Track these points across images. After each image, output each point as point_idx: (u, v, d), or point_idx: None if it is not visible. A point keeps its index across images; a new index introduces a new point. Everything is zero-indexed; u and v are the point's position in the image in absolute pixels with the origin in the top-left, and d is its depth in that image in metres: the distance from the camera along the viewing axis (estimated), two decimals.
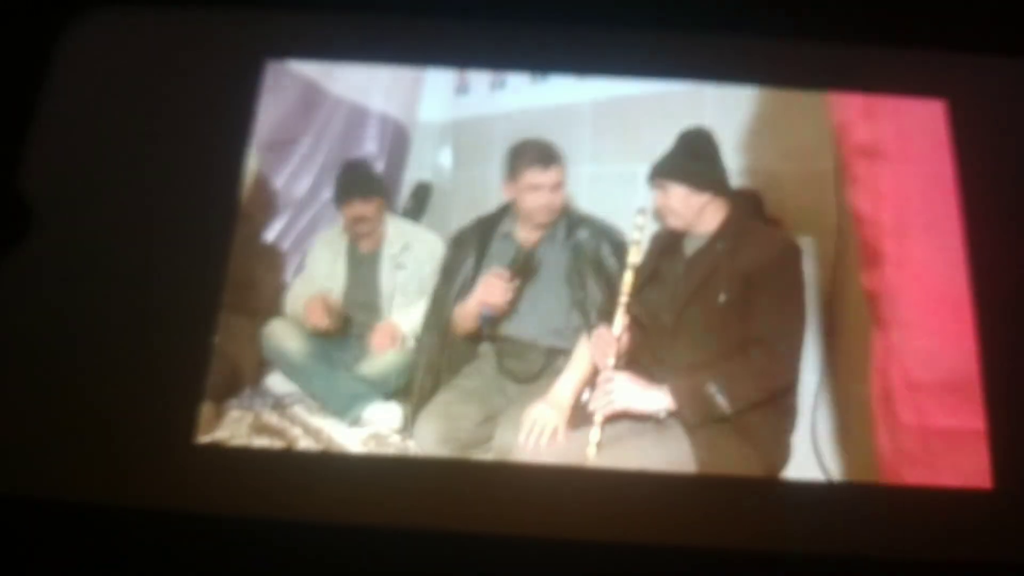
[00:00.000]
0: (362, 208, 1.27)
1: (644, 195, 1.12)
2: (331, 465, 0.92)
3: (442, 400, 1.14)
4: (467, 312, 1.18)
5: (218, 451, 0.91)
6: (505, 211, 1.20)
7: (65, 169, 0.98)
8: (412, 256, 1.26)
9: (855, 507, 0.92)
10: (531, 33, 1.06)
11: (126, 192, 0.98)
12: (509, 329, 1.18)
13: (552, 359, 1.16)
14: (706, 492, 0.95)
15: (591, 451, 1.02)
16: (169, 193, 0.98)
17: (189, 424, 0.90)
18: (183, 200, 0.97)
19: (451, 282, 1.19)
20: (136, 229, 0.96)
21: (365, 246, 1.29)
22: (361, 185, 1.27)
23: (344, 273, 1.27)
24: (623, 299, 1.10)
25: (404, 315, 1.24)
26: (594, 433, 1.03)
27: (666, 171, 1.10)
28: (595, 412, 1.05)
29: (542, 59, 1.08)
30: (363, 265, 1.28)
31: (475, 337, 1.20)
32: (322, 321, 1.21)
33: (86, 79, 1.01)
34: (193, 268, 0.95)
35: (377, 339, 1.23)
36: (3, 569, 0.86)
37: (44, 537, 0.87)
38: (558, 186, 1.16)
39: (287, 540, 0.87)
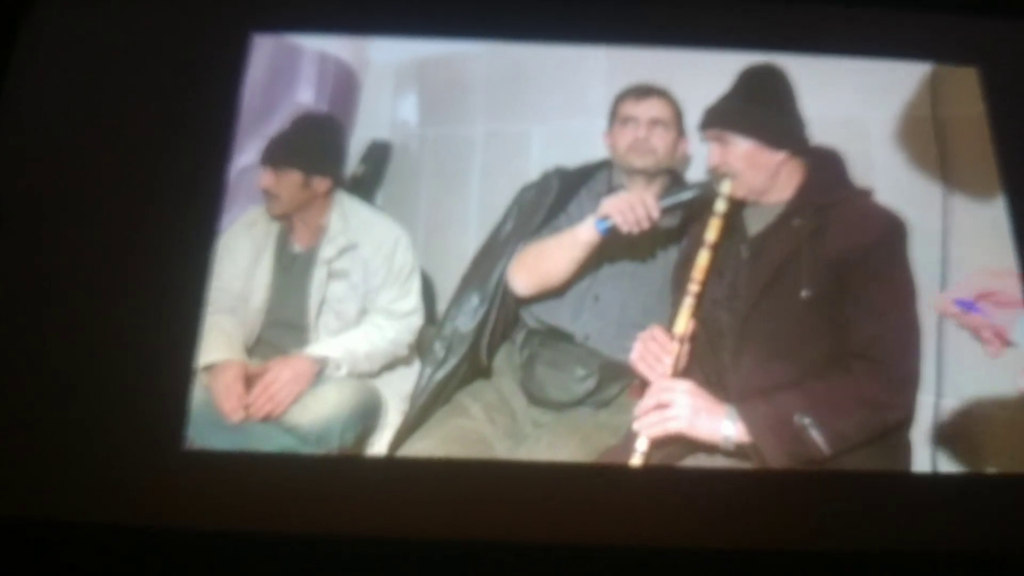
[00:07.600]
0: (308, 185, 0.94)
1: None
2: (333, 469, 0.86)
3: (421, 447, 0.88)
4: (570, 238, 0.90)
5: (208, 457, 0.85)
6: (601, 166, 0.99)
7: (37, 161, 0.91)
8: (357, 260, 0.93)
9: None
10: (538, 3, 0.99)
11: (106, 182, 0.90)
12: (559, 321, 0.93)
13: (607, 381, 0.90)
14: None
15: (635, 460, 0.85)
16: (152, 179, 0.90)
17: (177, 430, 0.84)
18: (167, 187, 0.90)
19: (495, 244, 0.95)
20: (117, 221, 0.89)
21: (300, 240, 0.95)
22: (323, 153, 0.95)
23: (268, 278, 0.93)
24: (694, 287, 0.86)
25: (330, 345, 0.91)
26: (641, 442, 0.85)
27: (727, 118, 0.88)
28: (640, 432, 0.84)
29: (550, 29, 0.98)
30: (294, 268, 0.94)
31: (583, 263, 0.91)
32: (236, 413, 0.88)
33: (57, 64, 0.96)
34: (177, 263, 0.88)
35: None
36: None
37: (36, 560, 0.81)
38: (657, 123, 0.97)
39: (286, 547, 0.82)
